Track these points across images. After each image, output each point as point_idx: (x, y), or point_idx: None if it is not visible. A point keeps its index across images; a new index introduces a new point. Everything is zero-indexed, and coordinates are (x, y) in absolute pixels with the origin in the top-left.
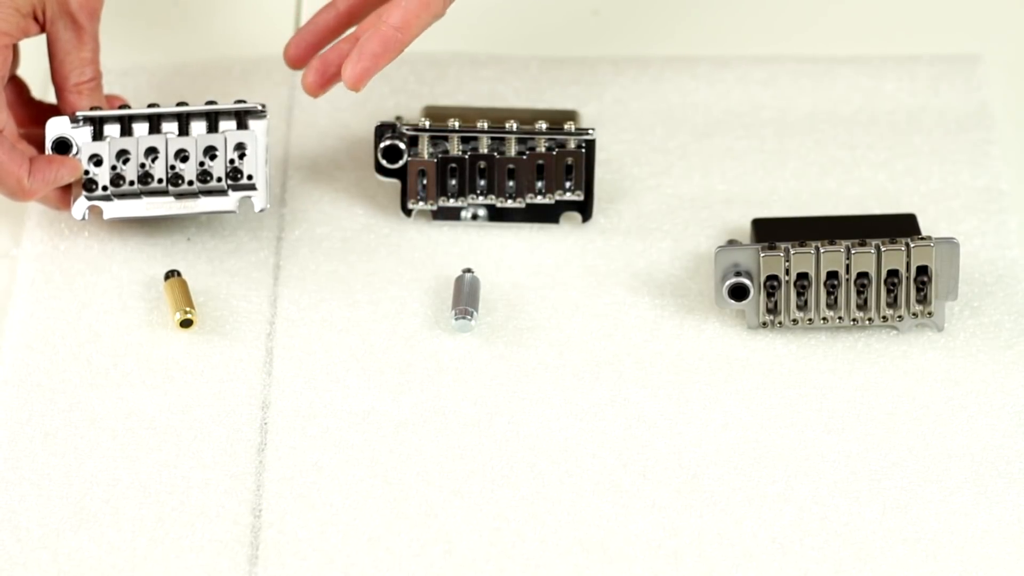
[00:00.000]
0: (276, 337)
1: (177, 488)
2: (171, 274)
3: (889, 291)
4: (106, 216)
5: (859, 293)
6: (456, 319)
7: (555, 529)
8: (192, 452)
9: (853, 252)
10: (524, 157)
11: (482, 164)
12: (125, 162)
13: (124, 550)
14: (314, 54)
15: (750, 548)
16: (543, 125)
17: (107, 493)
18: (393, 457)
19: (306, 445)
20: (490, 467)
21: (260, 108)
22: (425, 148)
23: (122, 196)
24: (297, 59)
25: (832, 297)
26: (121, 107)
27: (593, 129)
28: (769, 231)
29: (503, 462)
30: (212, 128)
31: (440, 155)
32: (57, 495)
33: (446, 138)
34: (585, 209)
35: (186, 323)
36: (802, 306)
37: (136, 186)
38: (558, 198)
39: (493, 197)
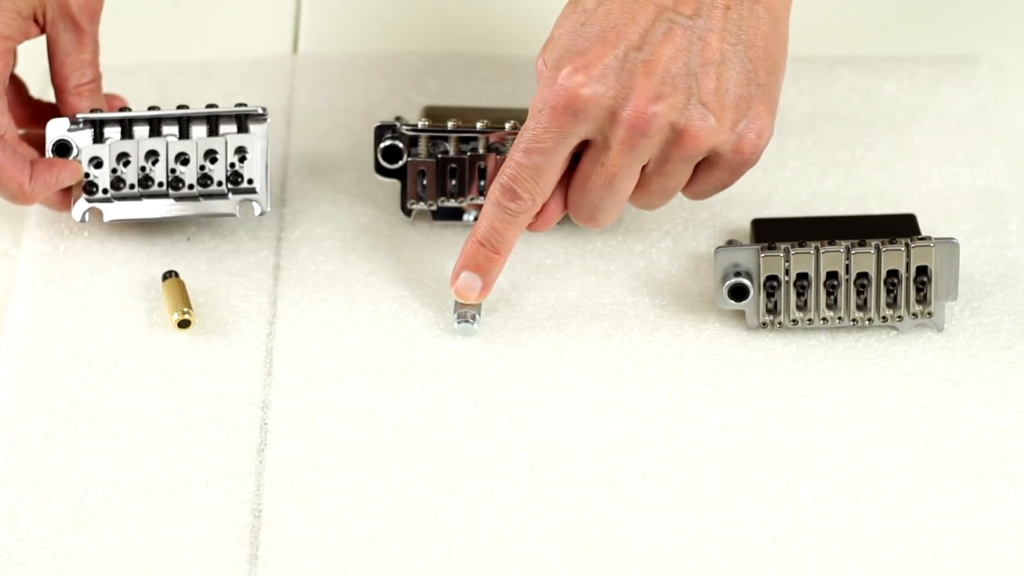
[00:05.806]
0: (276, 337)
1: (177, 488)
2: (168, 275)
3: (889, 291)
4: (106, 218)
5: (859, 293)
6: (458, 323)
7: (555, 529)
8: (192, 452)
9: (853, 252)
10: None
11: (482, 164)
12: (125, 165)
13: (124, 550)
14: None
15: (750, 548)
16: None
17: (107, 493)
18: (393, 457)
19: (306, 445)
20: (490, 467)
21: (261, 112)
22: (425, 148)
23: (122, 198)
24: None
25: (832, 297)
26: (121, 109)
27: None
28: (769, 231)
29: (503, 462)
30: (213, 131)
31: (440, 155)
32: (57, 495)
33: (446, 138)
34: None
35: (184, 324)
36: (802, 306)
37: (136, 189)
38: None
39: None
